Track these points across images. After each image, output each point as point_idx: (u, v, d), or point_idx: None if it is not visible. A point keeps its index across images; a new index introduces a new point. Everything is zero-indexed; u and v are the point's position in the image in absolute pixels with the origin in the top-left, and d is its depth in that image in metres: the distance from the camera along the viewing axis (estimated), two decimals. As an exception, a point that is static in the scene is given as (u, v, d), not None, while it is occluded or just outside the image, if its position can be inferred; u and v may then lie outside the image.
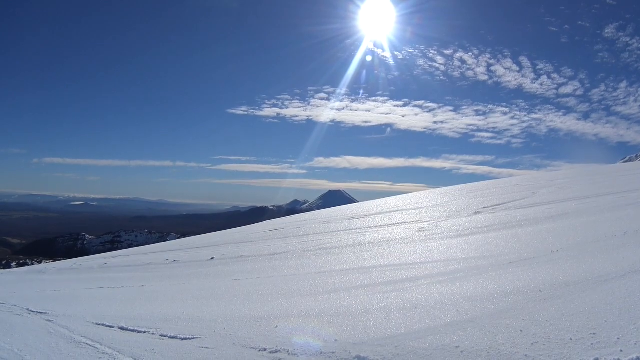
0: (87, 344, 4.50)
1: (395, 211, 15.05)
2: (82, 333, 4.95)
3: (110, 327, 5.07)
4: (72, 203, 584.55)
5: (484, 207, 11.93)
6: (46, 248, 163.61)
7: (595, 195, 11.05)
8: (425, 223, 10.77)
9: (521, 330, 2.99)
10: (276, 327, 4.06)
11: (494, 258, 5.68)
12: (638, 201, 8.98)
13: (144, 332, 4.59)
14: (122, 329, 4.90)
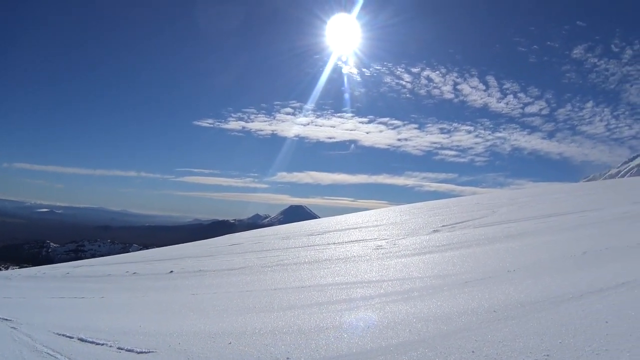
0: (48, 353, 4.60)
1: (354, 228, 15.00)
2: (43, 342, 5.04)
3: (70, 337, 5.08)
4: (38, 210, 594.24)
5: (442, 226, 11.98)
6: (13, 254, 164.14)
7: (556, 214, 11.20)
8: (383, 241, 10.72)
9: (473, 351, 2.92)
10: (230, 343, 3.98)
11: (449, 277, 5.63)
12: (599, 221, 9.16)
13: (102, 345, 4.59)
14: (81, 340, 4.91)
